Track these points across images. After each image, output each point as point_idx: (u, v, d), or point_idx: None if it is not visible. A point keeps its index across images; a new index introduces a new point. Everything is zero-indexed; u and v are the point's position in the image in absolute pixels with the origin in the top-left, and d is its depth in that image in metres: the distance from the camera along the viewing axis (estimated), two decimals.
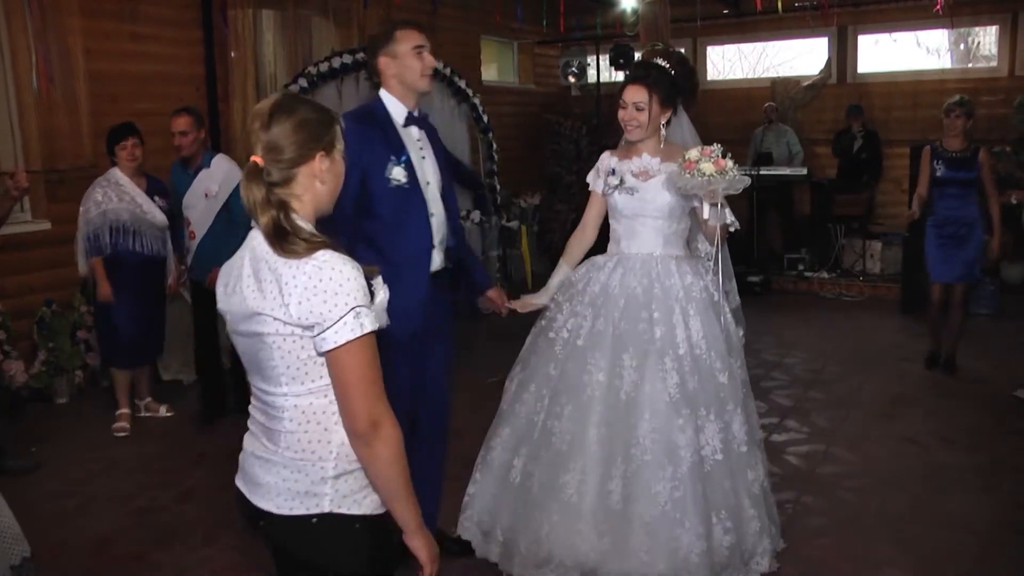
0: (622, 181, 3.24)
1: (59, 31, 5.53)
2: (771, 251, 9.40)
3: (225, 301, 1.78)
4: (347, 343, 1.62)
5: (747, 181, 2.94)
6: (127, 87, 6.03)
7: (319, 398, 1.72)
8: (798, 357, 6.31)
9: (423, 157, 3.12)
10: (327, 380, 1.70)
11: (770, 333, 6.89)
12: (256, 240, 1.73)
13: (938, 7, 7.30)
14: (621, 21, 9.66)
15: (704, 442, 3.02)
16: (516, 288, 8.92)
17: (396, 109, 3.07)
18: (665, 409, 3.01)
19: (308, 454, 1.73)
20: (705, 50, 10.92)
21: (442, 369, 3.30)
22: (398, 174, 2.97)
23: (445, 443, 3.39)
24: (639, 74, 3.19)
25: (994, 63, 9.53)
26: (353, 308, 1.62)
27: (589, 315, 3.21)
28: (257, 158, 1.69)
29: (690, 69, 3.33)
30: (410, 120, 3.10)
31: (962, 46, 10.49)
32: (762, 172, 8.94)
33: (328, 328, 1.62)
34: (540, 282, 9.61)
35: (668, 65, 3.20)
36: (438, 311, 3.19)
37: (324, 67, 7.18)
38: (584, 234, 3.49)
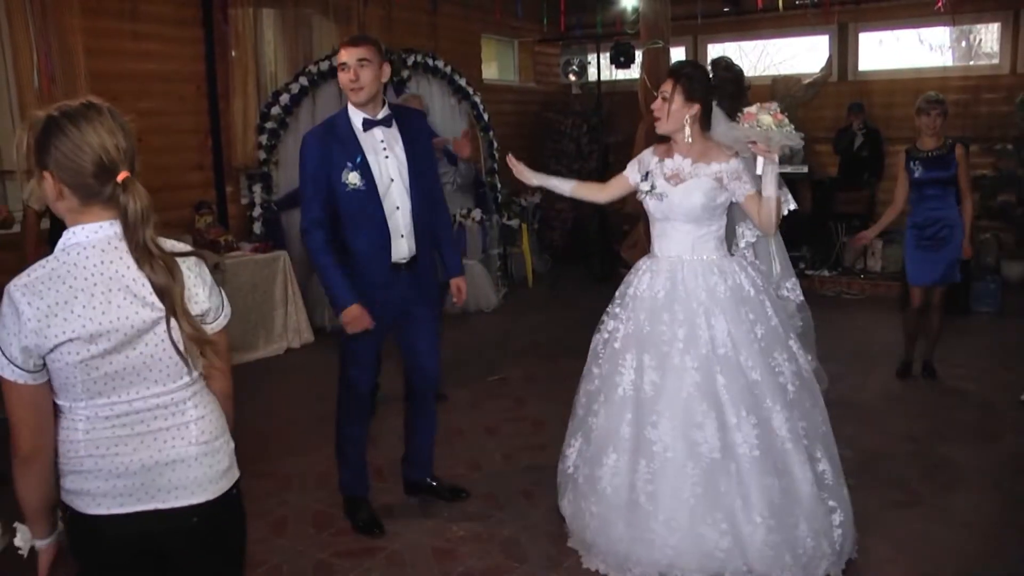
0: (653, 187, 3.32)
1: (60, 30, 5.54)
2: None
3: None
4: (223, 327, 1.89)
5: (800, 139, 3.05)
6: (128, 86, 6.03)
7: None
8: None
9: (386, 156, 3.45)
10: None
11: None
12: None
13: (939, 4, 7.30)
14: (621, 19, 9.65)
15: (740, 440, 3.06)
16: (517, 288, 8.93)
17: (356, 117, 3.44)
18: (683, 407, 3.11)
19: (218, 434, 1.88)
20: (706, 48, 10.89)
21: (429, 343, 3.72)
22: (354, 179, 3.37)
23: (433, 406, 3.92)
24: (672, 67, 3.35)
25: (996, 60, 9.51)
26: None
27: (623, 318, 3.38)
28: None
29: (734, 74, 3.31)
30: (369, 124, 3.44)
31: (964, 43, 10.48)
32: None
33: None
34: (540, 281, 9.65)
35: (713, 69, 3.28)
36: (413, 294, 3.58)
37: (324, 65, 7.19)
38: (599, 192, 3.71)
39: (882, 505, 3.85)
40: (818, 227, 9.20)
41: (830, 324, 7.24)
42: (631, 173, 3.49)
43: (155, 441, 1.77)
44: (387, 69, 3.44)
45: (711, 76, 3.26)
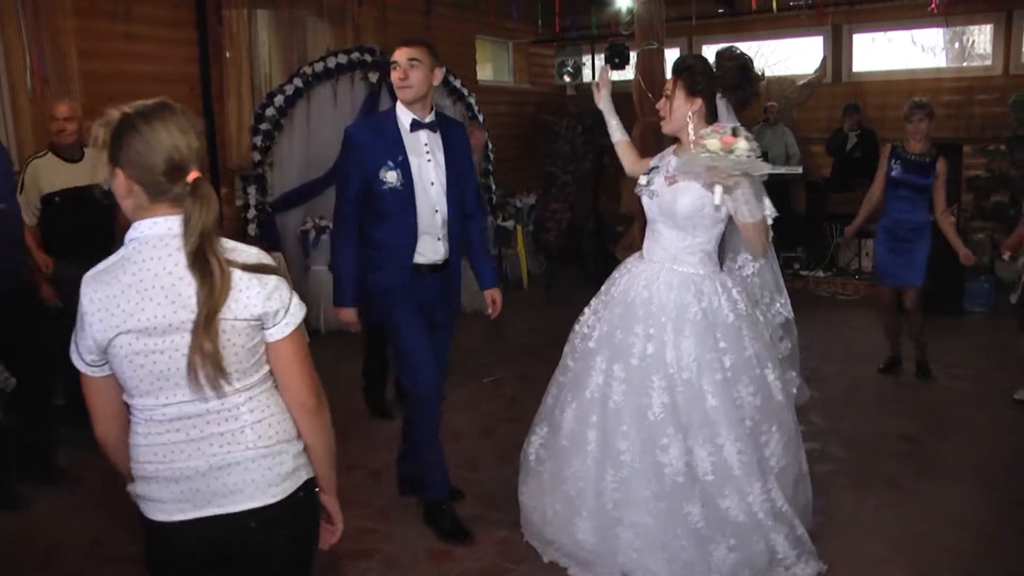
0: (650, 183, 3.19)
1: (53, 31, 5.53)
2: None
3: None
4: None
5: (762, 166, 2.81)
6: (121, 87, 5.99)
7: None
8: None
9: (429, 160, 3.46)
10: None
11: None
12: None
13: (932, 6, 7.31)
14: (616, 20, 9.64)
15: (697, 463, 3.02)
16: (511, 288, 8.92)
17: (405, 116, 3.45)
18: (649, 427, 3.06)
19: (280, 437, 1.84)
20: (700, 49, 10.90)
21: (442, 348, 3.69)
22: (392, 177, 3.38)
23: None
24: (674, 63, 3.19)
25: (989, 62, 9.54)
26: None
27: (602, 316, 3.29)
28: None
29: (739, 63, 3.11)
30: (417, 125, 3.44)
31: (957, 45, 10.52)
32: None
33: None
34: (535, 282, 9.62)
35: (716, 61, 3.12)
36: (438, 298, 3.60)
37: (319, 67, 7.19)
38: (633, 162, 3.53)
39: (878, 505, 3.86)
40: (813, 228, 9.21)
41: (825, 324, 7.28)
42: (650, 162, 3.33)
43: (209, 447, 1.76)
44: (439, 73, 3.46)
45: (714, 68, 3.10)
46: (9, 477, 4.09)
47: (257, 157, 6.96)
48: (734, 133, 2.77)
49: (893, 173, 5.46)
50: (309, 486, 1.89)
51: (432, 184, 3.46)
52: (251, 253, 1.78)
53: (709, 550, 3.02)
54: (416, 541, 3.61)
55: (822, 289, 8.66)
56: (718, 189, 2.83)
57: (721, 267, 3.24)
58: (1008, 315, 5.73)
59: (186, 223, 1.69)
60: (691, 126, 3.05)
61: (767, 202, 3.03)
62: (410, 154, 3.41)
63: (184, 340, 1.69)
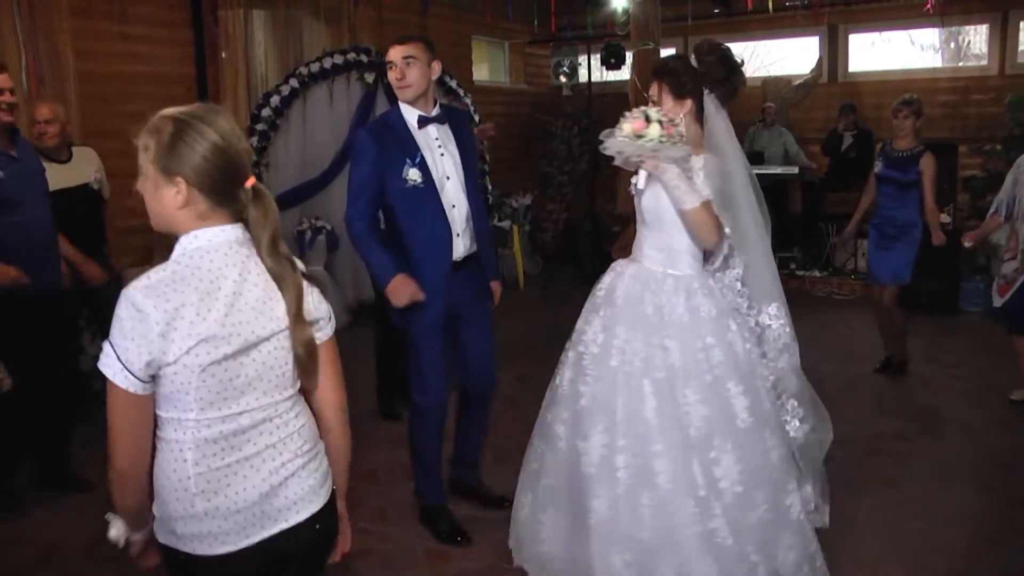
0: (636, 183, 2.99)
1: (49, 31, 5.51)
2: None
3: None
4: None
5: (674, 151, 2.70)
6: (117, 88, 6.01)
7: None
8: None
9: (442, 154, 3.45)
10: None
11: None
12: None
13: (928, 6, 7.33)
14: (612, 21, 9.65)
15: (619, 464, 2.83)
16: (507, 289, 8.91)
17: (410, 114, 3.43)
18: (644, 434, 2.84)
19: (315, 440, 1.86)
20: None
21: (486, 343, 3.67)
22: (414, 175, 3.35)
23: (488, 408, 3.88)
24: (654, 68, 3.08)
25: (984, 62, 9.56)
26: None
27: (591, 320, 3.09)
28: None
29: (719, 56, 2.99)
30: (423, 121, 3.42)
31: (953, 45, 10.53)
32: (754, 171, 8.93)
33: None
34: (532, 282, 9.61)
35: (696, 57, 2.99)
36: (469, 293, 3.56)
37: (315, 67, 7.18)
38: None
39: (874, 505, 3.87)
40: (808, 228, 9.22)
41: (821, 324, 7.28)
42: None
43: (264, 463, 1.73)
44: (437, 67, 3.44)
45: (696, 65, 2.97)
46: (6, 478, 4.08)
47: (253, 158, 6.94)
48: (647, 119, 2.70)
49: (877, 169, 5.53)
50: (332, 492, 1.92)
51: (448, 179, 3.44)
52: (297, 260, 1.82)
53: (686, 563, 2.77)
54: (413, 541, 3.61)
55: (818, 289, 8.67)
56: (642, 174, 2.80)
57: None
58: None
59: (256, 228, 1.70)
60: (682, 127, 2.87)
61: (699, 184, 2.82)
62: (423, 150, 3.39)
63: (269, 344, 1.71)
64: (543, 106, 11.19)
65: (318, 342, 1.81)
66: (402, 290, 3.35)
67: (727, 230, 2.93)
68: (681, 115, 2.92)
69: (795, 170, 9.27)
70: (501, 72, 11.16)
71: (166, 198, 1.65)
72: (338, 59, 7.31)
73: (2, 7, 5.38)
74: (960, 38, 10.42)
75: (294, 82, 7.09)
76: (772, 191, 9.22)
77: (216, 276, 1.65)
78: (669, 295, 2.91)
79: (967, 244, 5.28)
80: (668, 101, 2.96)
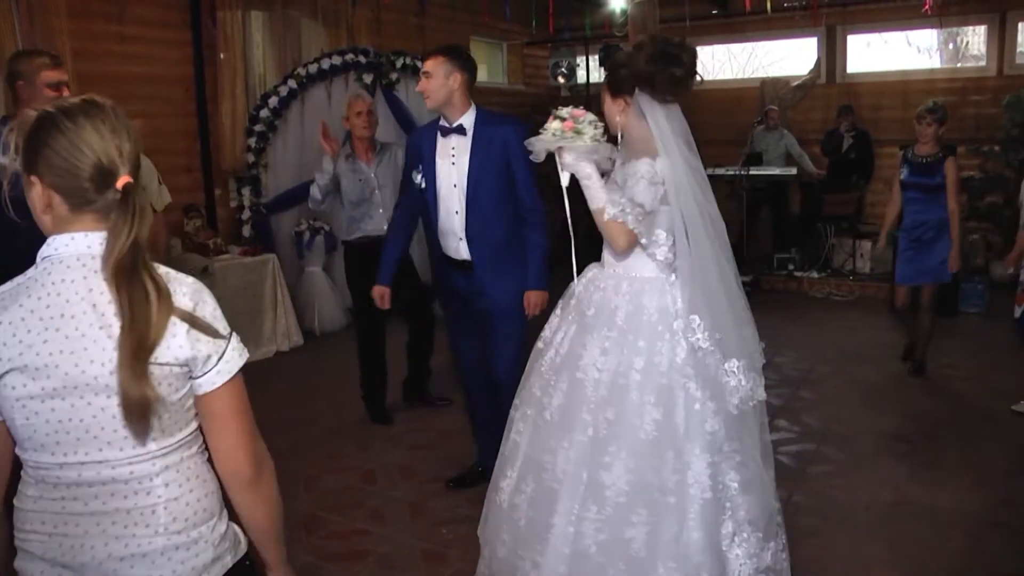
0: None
1: (47, 32, 5.51)
2: (761, 251, 9.41)
3: None
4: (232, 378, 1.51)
5: (577, 146, 2.65)
6: (115, 89, 5.98)
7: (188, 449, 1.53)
8: (788, 356, 6.32)
9: (453, 163, 3.64)
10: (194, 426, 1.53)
11: (760, 333, 6.87)
12: None
13: (927, 7, 7.33)
14: (610, 21, 9.66)
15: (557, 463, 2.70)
16: None
17: (443, 121, 3.69)
18: (548, 426, 2.76)
19: (203, 521, 1.52)
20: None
21: (497, 349, 3.72)
22: (418, 179, 3.70)
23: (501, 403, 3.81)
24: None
25: (983, 63, 9.57)
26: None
27: (562, 329, 2.98)
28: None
29: (652, 54, 2.63)
30: (446, 131, 3.66)
31: (951, 46, 10.54)
32: (752, 172, 8.96)
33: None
34: None
35: (633, 50, 2.73)
36: (464, 291, 3.73)
37: (313, 68, 7.18)
38: None
39: (871, 504, 3.87)
40: (807, 228, 9.23)
41: (819, 325, 7.28)
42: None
43: (112, 526, 1.43)
44: (458, 78, 3.60)
45: (631, 59, 2.69)
46: None
47: (251, 158, 6.95)
48: (556, 116, 2.70)
49: (902, 177, 5.61)
50: (237, 570, 1.58)
51: (455, 186, 3.64)
52: (187, 283, 1.49)
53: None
54: (410, 542, 3.61)
55: (816, 290, 8.67)
56: (564, 174, 2.77)
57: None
58: (1003, 319, 5.76)
59: (112, 235, 1.40)
60: (588, 125, 2.72)
61: (639, 191, 2.65)
62: (439, 157, 3.65)
63: (99, 385, 1.38)
64: (541, 107, 11.15)
65: (199, 391, 1.48)
66: (379, 299, 3.94)
67: (666, 250, 2.77)
68: (617, 115, 2.74)
69: (793, 171, 9.28)
70: (499, 73, 11.17)
71: (32, 199, 1.45)
72: (336, 60, 7.31)
73: (0, 8, 5.38)
74: (958, 39, 10.43)
75: (292, 83, 7.09)
76: (771, 192, 9.30)
77: (48, 292, 1.39)
78: (611, 295, 2.81)
79: (1008, 271, 5.34)
80: (607, 101, 2.79)
